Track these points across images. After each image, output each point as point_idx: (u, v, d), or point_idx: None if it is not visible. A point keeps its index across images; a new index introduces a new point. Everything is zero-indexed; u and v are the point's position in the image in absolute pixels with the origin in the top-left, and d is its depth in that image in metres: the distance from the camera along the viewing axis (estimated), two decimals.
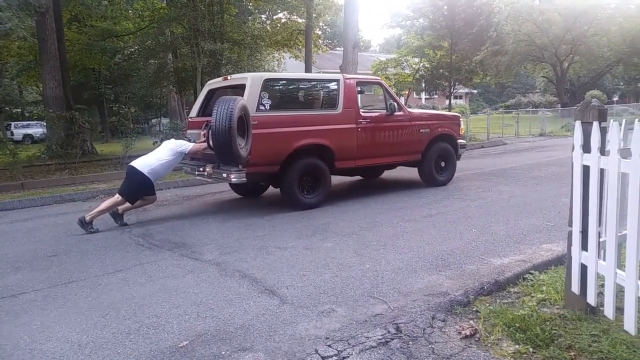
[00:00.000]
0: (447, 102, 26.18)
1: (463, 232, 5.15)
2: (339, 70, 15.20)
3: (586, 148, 2.73)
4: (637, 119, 3.09)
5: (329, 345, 2.72)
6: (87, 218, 5.85)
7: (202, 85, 16.65)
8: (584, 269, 2.80)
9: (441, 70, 19.55)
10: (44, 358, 2.78)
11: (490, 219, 5.77)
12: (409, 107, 10.04)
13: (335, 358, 2.57)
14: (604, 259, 2.64)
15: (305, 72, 19.08)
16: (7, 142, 11.77)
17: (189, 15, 14.84)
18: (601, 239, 2.70)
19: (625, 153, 2.48)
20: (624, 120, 3.22)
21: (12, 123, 30.19)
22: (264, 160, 6.34)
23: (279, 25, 21.64)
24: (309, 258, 4.44)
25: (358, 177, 9.24)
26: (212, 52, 13.92)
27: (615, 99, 42.99)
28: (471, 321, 2.95)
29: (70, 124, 12.68)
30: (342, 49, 15.92)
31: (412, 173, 8.84)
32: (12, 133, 28.25)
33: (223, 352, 2.74)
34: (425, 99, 34.32)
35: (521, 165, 10.51)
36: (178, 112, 24.15)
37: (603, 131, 2.71)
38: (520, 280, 3.58)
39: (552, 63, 31.27)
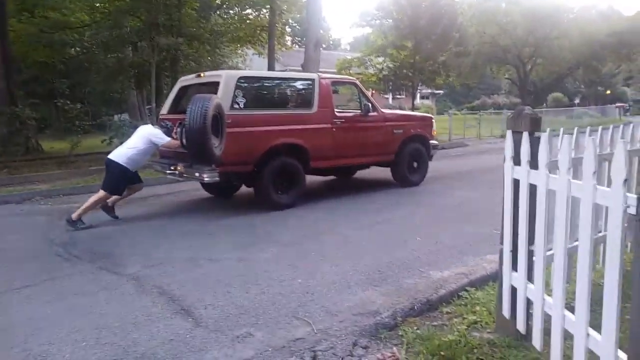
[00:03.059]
0: (414, 102, 26.26)
1: (408, 241, 4.92)
2: (301, 69, 14.90)
3: (517, 160, 2.50)
4: (561, 128, 2.90)
5: None
6: (73, 217, 5.66)
7: (157, 81, 16.19)
8: (514, 291, 2.57)
9: (405, 71, 19.47)
10: None
11: (439, 226, 5.57)
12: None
13: None
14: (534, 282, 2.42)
15: (268, 69, 18.65)
16: None
17: (144, 8, 14.26)
18: (534, 259, 2.49)
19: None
20: (561, 129, 3.03)
21: None
22: (238, 159, 6.20)
23: (243, 21, 21.15)
24: (239, 271, 4.12)
25: (325, 177, 8.97)
26: (167, 47, 13.38)
27: (577, 101, 44.01)
28: (395, 348, 2.69)
29: (13, 119, 11.95)
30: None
31: (381, 172, 8.68)
32: None
33: None
34: (393, 98, 34.30)
35: (479, 168, 10.43)
36: (138, 108, 23.36)
37: (536, 142, 2.49)
38: (454, 298, 3.35)
39: (515, 65, 31.74)
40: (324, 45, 60.41)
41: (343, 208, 6.69)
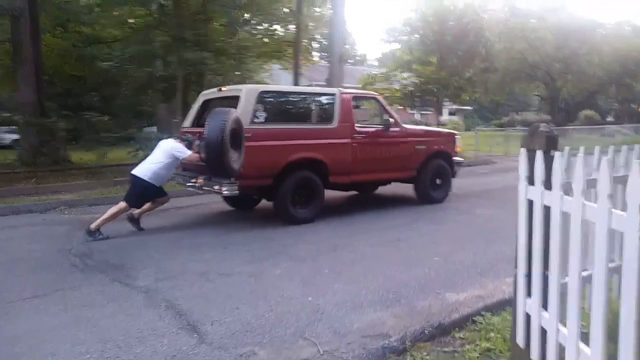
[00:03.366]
0: (440, 118, 25.96)
1: (425, 261, 4.78)
2: (325, 84, 14.96)
3: (532, 180, 2.39)
4: (581, 147, 2.76)
5: None
6: (92, 227, 5.74)
7: (184, 95, 16.44)
8: (528, 318, 2.44)
9: (430, 86, 19.33)
10: None
11: (459, 245, 5.41)
12: (404, 122, 9.85)
13: None
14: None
15: (294, 84, 18.77)
16: None
17: (172, 23, 14.55)
18: (549, 285, 2.35)
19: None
20: (581, 148, 2.90)
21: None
22: (257, 173, 6.20)
23: (270, 37, 21.40)
24: (250, 287, 4.06)
25: (350, 192, 8.88)
26: (193, 61, 13.60)
27: (609, 119, 42.88)
28: None
29: (43, 131, 12.28)
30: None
31: (403, 189, 8.58)
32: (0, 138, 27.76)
33: None
34: (421, 114, 34.11)
35: (504, 186, 10.15)
36: (166, 121, 23.77)
37: (551, 161, 2.37)
38: (469, 322, 3.20)
39: (545, 81, 31.16)
40: (350, 61, 60.85)
41: (361, 224, 6.58)
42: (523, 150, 2.46)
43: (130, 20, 16.80)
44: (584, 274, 2.07)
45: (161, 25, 15.62)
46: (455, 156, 8.48)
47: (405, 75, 20.42)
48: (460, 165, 8.74)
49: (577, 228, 1.96)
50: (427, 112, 30.98)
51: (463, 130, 32.21)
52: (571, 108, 37.29)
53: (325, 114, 7.07)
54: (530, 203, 2.39)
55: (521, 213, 2.47)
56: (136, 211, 6.17)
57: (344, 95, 7.15)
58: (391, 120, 7.53)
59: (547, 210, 2.24)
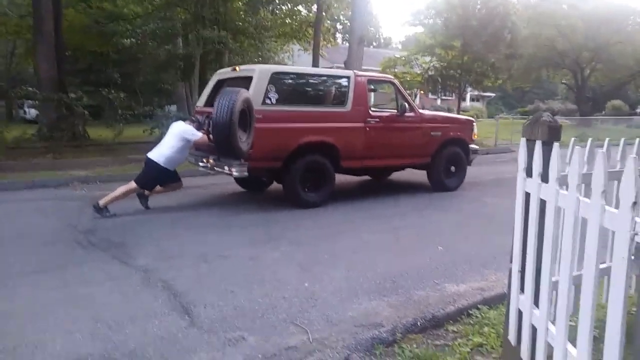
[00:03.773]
0: (462, 104, 25.46)
1: (427, 249, 4.70)
2: (344, 66, 14.76)
3: (530, 172, 2.28)
4: (589, 139, 2.63)
5: None
6: (101, 203, 5.77)
7: (203, 74, 16.42)
8: (520, 315, 2.35)
9: (451, 71, 18.91)
10: None
11: (464, 234, 5.31)
12: (423, 108, 9.67)
13: None
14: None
15: (313, 66, 18.59)
16: None
17: (192, 1, 14.47)
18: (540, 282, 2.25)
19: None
20: (589, 140, 2.77)
21: (26, 102, 30.11)
22: (267, 155, 6.16)
23: (290, 16, 21.15)
24: (247, 271, 4.04)
25: (363, 177, 8.81)
26: (211, 39, 13.52)
27: (639, 110, 41.56)
28: None
29: (60, 106, 12.42)
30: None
31: (418, 175, 8.47)
32: (24, 112, 28.19)
33: None
34: (441, 100, 33.55)
35: None
36: (186, 100, 23.85)
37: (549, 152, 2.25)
38: (464, 316, 3.12)
39: (573, 70, 30.22)
40: (374, 44, 60.04)
41: (368, 210, 6.51)
42: (523, 140, 2.35)
43: None
44: (577, 273, 1.97)
45: (181, 3, 15.55)
46: (472, 144, 8.33)
47: (427, 59, 20.05)
48: (477, 153, 8.57)
49: (570, 224, 1.86)
50: (449, 98, 30.49)
51: (486, 118, 31.67)
52: (599, 97, 36.16)
53: (339, 97, 6.95)
54: (528, 196, 2.29)
55: (518, 206, 2.38)
56: (146, 192, 6.20)
57: (359, 78, 7.02)
58: (407, 105, 7.40)
59: (543, 204, 2.14)
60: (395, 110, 7.42)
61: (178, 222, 5.67)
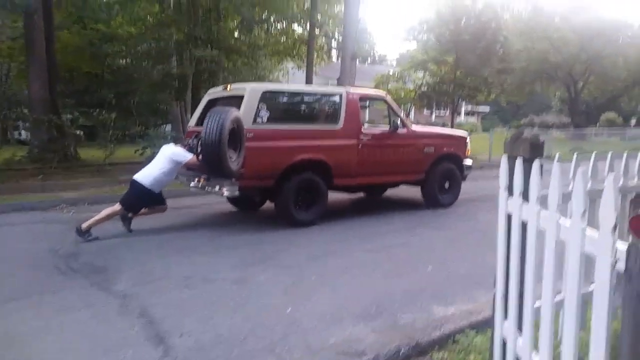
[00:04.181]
0: (457, 118, 25.47)
1: (418, 269, 4.58)
2: (336, 82, 14.76)
3: (512, 191, 2.18)
4: (575, 153, 2.53)
5: None
6: (84, 226, 5.64)
7: (194, 93, 16.41)
8: (505, 343, 2.23)
9: (444, 86, 18.95)
10: None
11: (456, 253, 5.19)
12: (417, 123, 9.62)
13: None
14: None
15: (306, 82, 18.62)
16: None
17: (184, 21, 14.53)
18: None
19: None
20: (575, 155, 2.67)
21: (21, 123, 30.04)
22: (258, 174, 6.10)
23: (284, 35, 21.27)
24: (231, 295, 3.91)
25: (357, 194, 8.72)
26: (204, 59, 13.54)
27: (633, 122, 41.71)
28: None
29: (52, 128, 12.34)
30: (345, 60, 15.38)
31: (412, 192, 8.41)
32: (19, 133, 28.13)
33: None
34: (435, 116, 33.64)
35: None
36: (179, 119, 23.84)
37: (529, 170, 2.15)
38: (450, 341, 3.00)
39: (566, 83, 30.40)
40: (369, 60, 60.41)
41: (359, 228, 6.40)
42: (504, 158, 2.25)
43: (152, 17, 16.76)
44: (559, 298, 1.86)
45: (174, 23, 15.63)
46: (466, 159, 8.27)
47: (419, 74, 20.09)
48: (471, 169, 8.50)
49: (552, 248, 1.75)
50: (443, 114, 30.57)
51: (480, 132, 31.68)
52: (592, 110, 36.33)
53: (331, 115, 6.93)
54: (510, 217, 2.19)
55: (500, 227, 2.27)
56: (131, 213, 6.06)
57: (351, 96, 6.98)
58: (399, 121, 7.37)
59: (525, 225, 2.04)
60: (388, 127, 7.37)
61: (164, 245, 5.55)
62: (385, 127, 7.55)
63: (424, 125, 10.45)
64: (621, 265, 1.32)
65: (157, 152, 6.37)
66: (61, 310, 3.58)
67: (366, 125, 7.56)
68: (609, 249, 1.37)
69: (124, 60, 21.32)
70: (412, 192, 8.43)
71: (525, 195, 2.02)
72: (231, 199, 7.50)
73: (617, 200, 1.36)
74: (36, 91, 12.71)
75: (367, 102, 8.77)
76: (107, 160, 11.78)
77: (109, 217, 5.84)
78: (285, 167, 6.23)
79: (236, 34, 21.53)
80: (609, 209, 1.37)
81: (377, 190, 8.74)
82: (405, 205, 8.09)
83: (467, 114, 43.26)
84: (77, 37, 17.98)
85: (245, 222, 6.94)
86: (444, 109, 26.26)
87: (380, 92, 9.06)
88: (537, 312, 1.95)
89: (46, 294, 3.93)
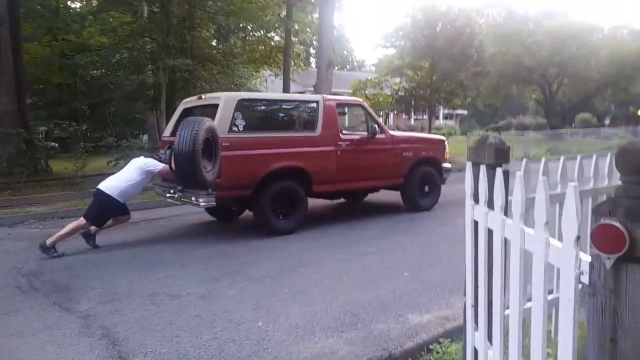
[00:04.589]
0: (436, 122, 25.61)
1: (392, 277, 4.49)
2: (313, 90, 14.72)
3: (477, 198, 2.10)
4: (543, 157, 2.47)
5: None
6: (48, 243, 5.46)
7: (172, 103, 16.18)
8: (476, 353, 2.14)
9: (421, 91, 19.04)
10: None
11: (432, 259, 5.11)
12: (396, 128, 9.66)
13: None
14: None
15: (283, 91, 18.53)
16: None
17: (157, 30, 14.33)
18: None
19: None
20: (542, 160, 2.61)
21: None
22: (235, 183, 5.99)
23: (260, 43, 21.17)
24: (197, 311, 3.76)
25: (337, 200, 8.64)
26: (177, 68, 13.37)
27: (607, 122, 42.56)
28: None
29: (20, 141, 12.00)
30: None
31: (392, 196, 8.39)
32: None
33: None
34: (414, 119, 33.83)
35: None
36: (156, 129, 23.52)
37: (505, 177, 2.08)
38: (424, 352, 2.90)
39: (541, 85, 30.85)
40: (347, 67, 60.62)
41: (334, 236, 6.30)
42: (468, 165, 2.17)
43: (125, 26, 16.48)
44: (527, 306, 1.78)
45: (148, 33, 15.42)
46: (445, 163, 8.29)
47: (396, 80, 20.16)
48: (450, 172, 8.50)
49: (517, 258, 1.67)
50: (422, 118, 30.76)
51: (458, 135, 31.94)
52: (567, 111, 36.95)
53: (308, 122, 6.92)
54: (476, 224, 2.11)
55: (467, 235, 2.19)
56: (93, 227, 5.84)
57: (328, 102, 6.96)
58: (377, 127, 7.36)
59: (490, 233, 1.95)
60: (366, 133, 7.34)
61: (130, 260, 5.35)
62: (363, 133, 7.52)
63: (403, 130, 10.49)
64: (585, 279, 1.24)
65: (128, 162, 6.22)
66: (18, 334, 3.39)
67: (345, 131, 7.54)
68: (572, 261, 1.29)
69: (99, 71, 20.98)
70: (391, 196, 8.38)
71: (490, 204, 1.94)
72: (209, 209, 7.37)
73: (578, 209, 1.27)
74: (3, 104, 12.38)
75: (345, 109, 8.71)
76: (78, 173, 11.47)
77: (73, 231, 5.66)
78: (263, 176, 6.15)
79: (214, 42, 21.39)
80: (570, 220, 1.29)
81: (358, 196, 8.70)
82: (382, 210, 8.03)
83: (445, 117, 43.64)
84: (48, 49, 17.62)
85: (219, 233, 6.79)
86: (422, 113, 26.36)
87: (357, 99, 9.04)
88: (507, 321, 1.86)
89: (3, 315, 3.74)
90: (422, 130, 20.71)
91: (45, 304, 4.00)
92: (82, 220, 5.69)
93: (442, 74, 18.35)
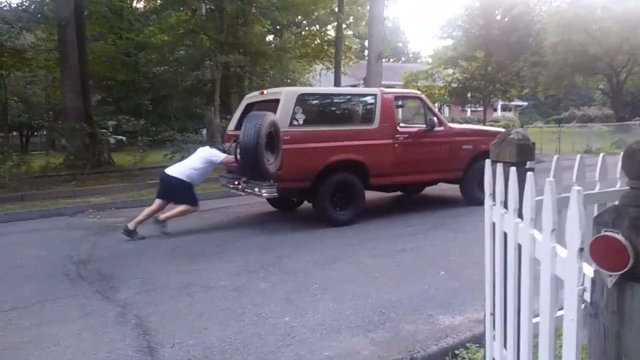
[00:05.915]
0: (493, 114, 24.71)
1: (428, 275, 4.37)
2: (363, 82, 14.59)
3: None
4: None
5: None
6: (131, 226, 5.99)
7: (226, 98, 16.58)
8: None
9: (475, 83, 18.40)
10: None
11: (473, 258, 4.89)
12: (452, 120, 9.53)
13: None
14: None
15: (335, 84, 18.53)
16: (11, 153, 11.82)
17: (211, 27, 14.69)
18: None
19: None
20: (554, 158, 2.45)
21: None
22: (296, 175, 6.26)
23: (314, 37, 21.19)
24: (228, 303, 3.82)
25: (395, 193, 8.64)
26: (227, 64, 13.65)
27: None
28: None
29: (85, 135, 12.72)
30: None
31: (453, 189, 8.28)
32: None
33: None
34: (471, 111, 32.79)
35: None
36: (213, 123, 24.14)
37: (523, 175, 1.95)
38: (447, 357, 2.80)
39: (608, 74, 29.03)
40: (402, 58, 59.65)
41: (374, 230, 6.24)
42: (488, 163, 2.06)
43: (183, 24, 17.04)
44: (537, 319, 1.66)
45: (204, 30, 15.85)
46: None
47: (449, 71, 19.62)
48: None
49: (527, 267, 1.56)
50: (479, 109, 29.79)
51: (518, 127, 30.70)
52: (638, 102, 34.61)
53: (366, 115, 6.98)
54: (494, 226, 2.00)
55: (487, 237, 2.08)
56: (162, 215, 6.18)
57: (385, 96, 7.00)
58: (435, 119, 7.29)
59: (506, 237, 1.84)
60: (424, 125, 7.29)
61: (174, 250, 5.53)
62: (421, 126, 7.49)
63: (459, 123, 10.27)
64: (587, 297, 1.12)
65: (186, 155, 6.55)
66: (58, 320, 3.57)
67: (402, 124, 7.51)
68: (575, 274, 1.18)
69: (161, 68, 21.81)
70: (437, 190, 8.20)
71: (507, 204, 1.83)
72: (270, 200, 7.67)
73: (582, 217, 1.16)
74: (70, 101, 13.12)
75: (402, 102, 8.72)
76: (137, 165, 12.01)
77: (150, 214, 6.13)
78: (322, 168, 6.32)
79: (269, 38, 21.67)
80: (574, 228, 1.18)
81: (415, 189, 8.66)
82: (427, 204, 7.90)
83: (504, 109, 42.05)
84: (112, 47, 18.50)
85: (259, 225, 6.90)
86: (478, 105, 25.51)
87: (416, 92, 8.92)
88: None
89: (49, 302, 3.95)
90: (478, 122, 20.01)
91: (88, 291, 4.19)
92: (157, 202, 6.19)
93: (497, 65, 17.66)
